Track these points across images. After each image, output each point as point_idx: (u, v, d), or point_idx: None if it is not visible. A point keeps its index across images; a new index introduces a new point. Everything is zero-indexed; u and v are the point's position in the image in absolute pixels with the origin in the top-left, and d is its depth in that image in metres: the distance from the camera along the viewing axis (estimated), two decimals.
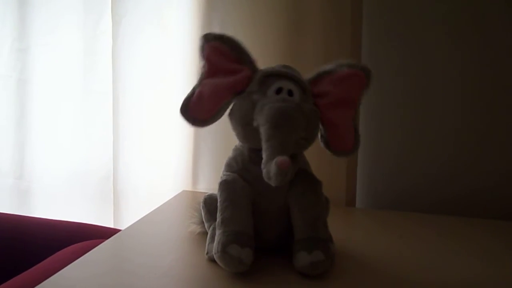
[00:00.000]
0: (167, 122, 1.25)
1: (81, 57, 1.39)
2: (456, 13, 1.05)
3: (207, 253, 0.72)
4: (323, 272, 0.67)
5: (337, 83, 0.72)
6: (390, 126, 1.11)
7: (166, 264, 0.71)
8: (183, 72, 1.20)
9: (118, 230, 0.97)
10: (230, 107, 0.73)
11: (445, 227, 0.95)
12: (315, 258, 0.65)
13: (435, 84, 1.08)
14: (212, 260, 0.69)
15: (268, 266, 0.70)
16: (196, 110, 0.72)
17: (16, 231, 1.11)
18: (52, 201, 1.44)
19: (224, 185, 0.71)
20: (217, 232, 0.67)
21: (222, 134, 1.15)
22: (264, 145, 0.64)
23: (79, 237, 1.00)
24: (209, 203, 0.77)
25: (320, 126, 0.73)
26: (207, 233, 0.77)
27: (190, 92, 0.72)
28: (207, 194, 0.79)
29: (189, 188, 1.23)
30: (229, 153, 0.77)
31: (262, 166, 0.63)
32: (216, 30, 1.14)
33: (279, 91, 0.68)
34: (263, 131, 0.65)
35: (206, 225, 0.79)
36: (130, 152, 1.29)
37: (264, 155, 0.63)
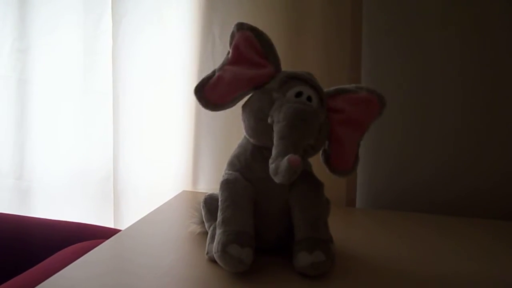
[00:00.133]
0: (168, 122, 1.25)
1: (81, 57, 1.39)
2: (456, 13, 1.05)
3: (207, 253, 0.72)
4: (323, 273, 0.67)
5: (353, 104, 0.72)
6: (390, 126, 1.11)
7: (166, 264, 0.71)
8: (183, 72, 1.20)
9: (118, 230, 0.97)
10: (246, 99, 0.73)
11: (445, 227, 0.95)
12: (316, 259, 0.65)
13: (435, 84, 1.08)
14: (212, 260, 0.69)
15: (268, 266, 0.70)
16: (212, 92, 0.72)
17: (16, 231, 1.11)
18: (52, 201, 1.44)
19: (226, 184, 0.71)
20: (218, 231, 0.67)
21: (223, 134, 1.15)
22: (276, 142, 0.64)
23: (79, 237, 1.00)
24: (210, 203, 0.77)
25: (326, 142, 0.73)
26: (207, 233, 0.77)
27: (210, 73, 0.73)
28: (207, 194, 0.80)
29: (189, 188, 1.23)
30: (229, 153, 0.77)
31: (271, 161, 0.63)
32: (216, 30, 1.14)
33: (298, 95, 0.68)
34: (278, 128, 0.65)
35: (206, 225, 0.79)
36: (130, 152, 1.29)
37: (274, 151, 0.64)
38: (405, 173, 1.12)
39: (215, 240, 0.67)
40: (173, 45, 1.22)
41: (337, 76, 1.06)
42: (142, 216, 0.95)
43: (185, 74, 1.19)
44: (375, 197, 1.14)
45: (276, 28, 1.08)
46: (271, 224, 0.73)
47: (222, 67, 0.73)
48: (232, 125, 1.12)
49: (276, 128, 0.65)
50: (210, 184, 1.21)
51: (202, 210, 0.79)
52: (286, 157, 0.60)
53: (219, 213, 0.69)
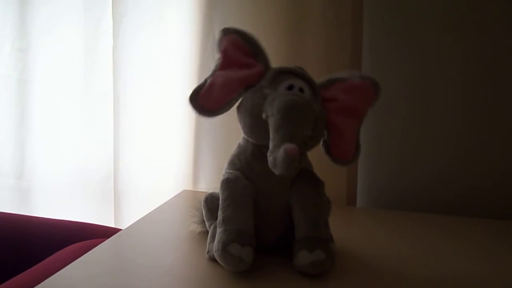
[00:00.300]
0: (168, 121, 1.25)
1: (81, 57, 1.39)
2: (457, 13, 1.05)
3: (208, 252, 0.72)
4: (323, 272, 0.67)
5: (347, 92, 0.72)
6: (391, 126, 1.11)
7: (166, 263, 0.72)
8: (183, 71, 1.20)
9: (118, 230, 0.97)
10: (240, 100, 0.73)
11: (445, 227, 0.95)
12: (316, 258, 0.65)
13: (435, 84, 1.08)
14: (213, 259, 0.69)
15: (268, 265, 0.70)
16: (206, 99, 0.72)
17: (16, 230, 1.11)
18: (52, 200, 1.44)
19: (226, 183, 0.71)
20: (218, 230, 0.67)
21: (223, 134, 1.15)
22: (272, 135, 0.64)
23: (80, 237, 1.00)
24: (210, 202, 0.77)
25: (325, 131, 0.73)
26: (207, 233, 0.77)
27: (203, 81, 0.73)
28: (208, 193, 0.79)
29: (189, 187, 1.23)
30: (230, 153, 0.77)
31: (269, 153, 0.63)
32: (217, 29, 1.14)
33: (290, 88, 0.68)
34: (273, 121, 0.65)
35: (207, 224, 0.79)
36: (131, 152, 1.29)
37: (271, 144, 0.64)
38: (405, 172, 1.12)
39: (216, 239, 0.67)
40: (173, 44, 1.22)
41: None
42: (143, 216, 0.95)
43: (185, 73, 1.19)
44: (375, 196, 1.14)
45: (276, 28, 1.09)
46: (271, 223, 0.73)
47: (213, 74, 0.73)
48: (232, 124, 1.11)
49: (271, 122, 0.65)
50: (210, 184, 1.21)
51: (203, 209, 0.79)
52: (283, 147, 0.60)
53: (219, 212, 0.69)
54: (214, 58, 0.75)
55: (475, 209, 1.06)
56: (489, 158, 1.07)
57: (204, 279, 0.66)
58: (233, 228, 0.66)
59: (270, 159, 0.62)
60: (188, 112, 1.21)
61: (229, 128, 1.14)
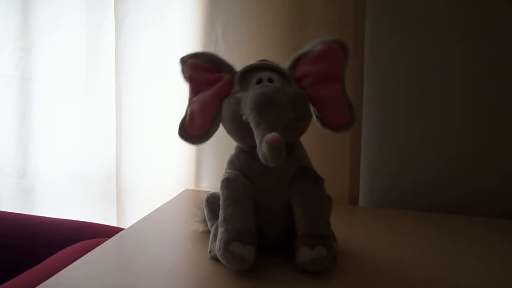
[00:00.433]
0: (170, 121, 1.24)
1: (84, 56, 1.39)
2: (459, 13, 1.05)
3: (210, 252, 0.72)
4: (325, 270, 0.67)
5: (315, 61, 0.73)
6: (393, 125, 1.11)
7: (169, 262, 0.72)
8: None
9: (121, 229, 0.97)
10: (222, 113, 0.74)
11: (447, 226, 0.95)
12: (317, 254, 0.65)
13: (437, 83, 1.08)
14: (215, 258, 0.69)
15: (270, 264, 0.70)
16: (192, 128, 0.75)
17: (19, 230, 1.11)
18: (55, 200, 1.44)
19: (226, 183, 0.71)
20: (219, 230, 0.67)
21: (225, 133, 1.15)
22: (255, 132, 0.65)
23: (82, 236, 1.00)
24: (211, 201, 0.77)
25: (313, 108, 0.73)
26: (209, 232, 0.77)
27: (184, 114, 0.76)
28: (209, 192, 0.80)
29: (192, 187, 1.23)
30: (231, 152, 0.77)
31: (257, 151, 0.63)
32: (219, 29, 1.14)
33: (259, 82, 0.69)
34: (251, 119, 0.65)
35: (208, 223, 0.79)
36: (133, 151, 1.29)
37: (256, 141, 0.64)
38: (407, 172, 1.12)
39: (217, 239, 0.67)
40: (175, 44, 1.22)
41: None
42: (145, 215, 0.95)
43: None
44: (377, 195, 1.14)
45: (279, 27, 1.09)
46: (272, 221, 0.73)
47: (189, 103, 0.76)
48: None
49: (250, 121, 0.66)
50: (213, 183, 1.21)
51: (204, 209, 0.80)
52: (264, 139, 0.61)
53: (220, 212, 0.69)
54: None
55: (476, 208, 1.06)
56: (490, 158, 1.07)
57: (206, 278, 0.66)
58: (234, 227, 0.66)
59: (260, 156, 0.62)
60: None
61: None
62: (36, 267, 0.82)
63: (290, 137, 0.69)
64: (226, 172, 0.74)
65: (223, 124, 0.74)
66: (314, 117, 0.74)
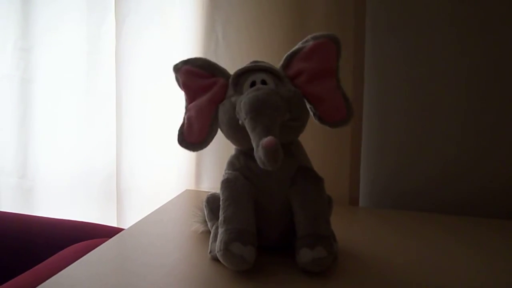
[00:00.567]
0: (171, 121, 1.24)
1: (84, 57, 1.39)
2: (460, 11, 1.05)
3: (210, 252, 0.72)
4: (325, 270, 0.67)
5: (307, 58, 0.72)
6: (394, 125, 1.11)
7: (169, 263, 0.72)
8: None
9: (121, 229, 0.97)
10: (218, 118, 0.74)
11: (448, 227, 0.94)
12: (317, 255, 0.65)
13: (438, 83, 1.07)
14: (215, 258, 0.69)
15: (270, 264, 0.70)
16: (190, 135, 0.75)
17: (19, 230, 1.11)
18: (55, 200, 1.45)
19: (226, 183, 0.71)
20: (220, 230, 0.67)
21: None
22: (251, 136, 0.65)
23: (82, 236, 1.00)
24: (212, 202, 0.77)
25: (309, 105, 0.73)
26: (210, 232, 0.77)
27: (182, 122, 0.76)
28: (209, 193, 0.80)
29: (192, 187, 1.23)
30: (231, 153, 0.77)
31: (255, 154, 0.63)
32: (219, 29, 1.14)
33: (252, 84, 0.69)
34: (246, 124, 0.65)
35: (209, 224, 0.79)
36: (134, 151, 1.29)
37: (253, 146, 0.64)
38: (408, 172, 1.11)
39: (218, 239, 0.67)
40: (176, 44, 1.22)
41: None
42: (145, 215, 0.95)
43: None
44: (378, 196, 1.14)
45: (279, 27, 1.09)
46: (272, 221, 0.73)
47: (186, 110, 0.76)
48: None
49: (246, 126, 0.66)
50: (213, 183, 1.21)
51: (205, 209, 0.80)
52: (260, 144, 0.61)
53: (220, 212, 0.69)
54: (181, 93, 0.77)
55: (477, 208, 1.06)
56: (491, 158, 1.07)
57: (207, 279, 0.66)
58: (234, 227, 0.66)
59: (257, 160, 0.62)
60: None
61: None
62: (36, 267, 0.82)
63: (287, 137, 0.70)
64: (226, 173, 0.74)
65: (220, 128, 0.74)
66: (311, 114, 0.74)
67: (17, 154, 1.48)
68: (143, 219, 0.93)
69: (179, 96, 1.20)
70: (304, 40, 0.75)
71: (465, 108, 1.07)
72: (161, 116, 1.26)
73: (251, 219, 0.69)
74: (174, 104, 1.21)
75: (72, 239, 0.99)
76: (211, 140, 0.75)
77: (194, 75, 0.75)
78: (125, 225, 1.25)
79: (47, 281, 0.64)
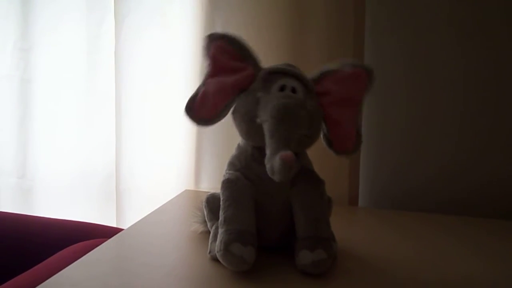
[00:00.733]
0: (170, 121, 1.25)
1: (84, 57, 1.39)
2: (460, 12, 1.05)
3: (209, 252, 0.72)
4: (325, 271, 0.67)
5: (340, 82, 0.72)
6: (393, 125, 1.11)
7: (168, 263, 0.71)
8: (186, 71, 1.20)
9: (120, 230, 0.97)
10: (234, 105, 0.73)
11: (447, 227, 0.95)
12: (317, 257, 0.65)
13: (438, 83, 1.07)
14: (214, 259, 0.69)
15: (270, 264, 0.70)
16: (201, 109, 0.72)
17: (18, 230, 1.11)
18: (54, 200, 1.44)
19: (227, 183, 0.71)
20: (220, 230, 0.67)
21: (225, 133, 1.15)
22: (267, 141, 0.64)
23: (82, 236, 1.00)
24: (212, 202, 0.77)
25: (323, 125, 0.73)
26: (209, 232, 0.77)
27: (195, 92, 0.73)
28: (209, 193, 0.80)
29: (191, 187, 1.23)
30: (231, 152, 0.77)
31: (266, 161, 0.63)
32: (219, 29, 1.14)
33: (282, 88, 0.68)
34: (266, 126, 0.65)
35: (208, 224, 0.79)
36: (133, 151, 1.29)
37: (267, 151, 0.63)
38: (407, 172, 1.12)
39: (218, 239, 0.67)
40: (176, 45, 1.22)
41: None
42: (144, 216, 0.95)
43: (187, 73, 1.19)
44: (377, 196, 1.14)
45: (278, 27, 1.09)
46: (273, 222, 0.72)
47: (204, 82, 0.73)
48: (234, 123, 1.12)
49: (265, 127, 0.65)
50: (212, 183, 1.21)
51: (204, 209, 0.80)
52: (278, 155, 0.60)
53: (220, 212, 0.69)
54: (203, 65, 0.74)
55: (476, 209, 1.06)
56: (492, 157, 1.07)
57: (206, 279, 0.66)
58: (234, 228, 0.66)
59: (267, 166, 0.62)
60: None
61: (231, 128, 1.13)
62: (35, 267, 0.82)
63: (295, 149, 0.69)
64: (226, 173, 0.74)
65: (233, 115, 0.73)
66: (322, 135, 0.74)
67: (16, 154, 1.48)
68: (142, 219, 0.93)
69: (179, 96, 1.21)
70: (342, 63, 0.73)
71: (464, 109, 1.07)
72: (160, 116, 1.26)
73: (252, 219, 0.68)
74: (174, 104, 1.22)
75: (71, 239, 0.99)
76: (219, 120, 0.73)
77: (226, 53, 0.73)
78: (124, 225, 1.25)
79: (47, 281, 0.64)
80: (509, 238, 0.89)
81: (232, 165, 0.75)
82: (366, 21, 1.08)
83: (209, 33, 0.74)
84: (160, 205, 1.03)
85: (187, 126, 1.21)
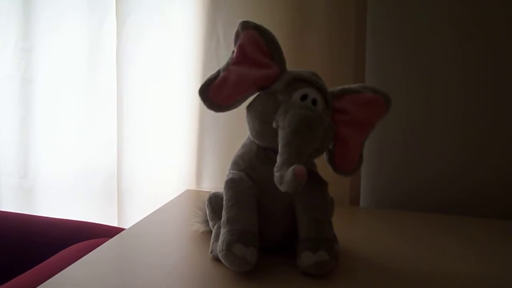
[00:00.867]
0: (171, 121, 1.25)
1: (85, 56, 1.39)
2: (461, 13, 1.05)
3: (211, 252, 0.72)
4: (327, 272, 0.67)
5: (359, 105, 0.72)
6: (395, 125, 1.10)
7: (170, 263, 0.71)
8: (187, 71, 1.20)
9: (122, 229, 0.97)
10: (251, 100, 0.73)
11: (449, 227, 0.94)
12: (320, 258, 0.65)
13: (439, 83, 1.07)
14: (216, 259, 0.69)
15: (272, 265, 0.70)
16: (217, 93, 0.71)
17: (20, 229, 1.11)
18: (56, 200, 1.44)
19: (230, 183, 0.71)
20: (222, 231, 0.67)
21: (226, 133, 1.15)
22: (281, 149, 0.64)
23: (83, 236, 1.00)
24: (214, 201, 0.77)
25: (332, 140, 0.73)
26: (211, 232, 0.77)
27: (215, 74, 0.72)
28: (212, 192, 0.80)
29: (193, 187, 1.23)
30: (233, 153, 0.77)
31: (276, 169, 0.63)
32: (220, 29, 1.14)
33: (304, 97, 0.67)
34: (283, 134, 0.65)
35: (210, 223, 0.79)
36: (134, 151, 1.29)
37: (279, 158, 0.63)
38: (409, 172, 1.12)
39: (220, 240, 0.67)
40: (177, 44, 1.22)
41: (342, 76, 1.05)
42: (146, 215, 0.95)
43: (189, 73, 1.19)
44: (379, 196, 1.14)
45: (280, 28, 1.08)
46: (275, 223, 0.72)
47: (226, 67, 0.72)
48: (236, 123, 1.12)
49: (281, 134, 0.65)
50: (214, 183, 1.21)
51: (207, 208, 0.79)
52: (292, 168, 0.59)
53: (223, 212, 0.69)
54: (229, 51, 0.73)
55: (478, 209, 1.06)
56: (494, 158, 1.07)
57: (208, 279, 0.66)
58: (237, 228, 0.66)
59: (276, 175, 0.62)
60: (191, 112, 1.20)
61: (233, 128, 1.14)
62: (37, 267, 0.82)
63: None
64: (230, 173, 0.74)
65: (248, 111, 0.72)
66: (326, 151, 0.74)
67: (18, 154, 1.48)
68: (144, 219, 0.93)
69: (181, 96, 1.21)
70: (364, 85, 0.74)
71: (464, 109, 1.07)
72: (162, 116, 1.26)
73: (254, 220, 0.68)
74: (175, 105, 1.22)
75: (73, 239, 0.99)
76: (229, 110, 0.73)
77: (256, 45, 0.71)
78: (125, 225, 1.25)
79: (48, 281, 0.64)
80: (509, 238, 0.88)
81: (236, 164, 0.75)
82: (367, 21, 1.08)
83: (243, 20, 0.73)
84: (162, 205, 1.03)
85: (188, 125, 1.21)
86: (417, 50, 1.08)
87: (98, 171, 1.41)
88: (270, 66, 0.71)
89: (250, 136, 0.74)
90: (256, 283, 0.65)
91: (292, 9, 1.08)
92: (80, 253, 0.75)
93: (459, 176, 1.08)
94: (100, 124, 1.39)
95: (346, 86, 0.74)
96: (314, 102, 0.67)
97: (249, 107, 0.72)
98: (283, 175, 0.61)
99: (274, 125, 0.66)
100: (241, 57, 0.72)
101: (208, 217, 0.80)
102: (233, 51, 0.73)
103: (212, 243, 0.72)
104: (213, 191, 0.80)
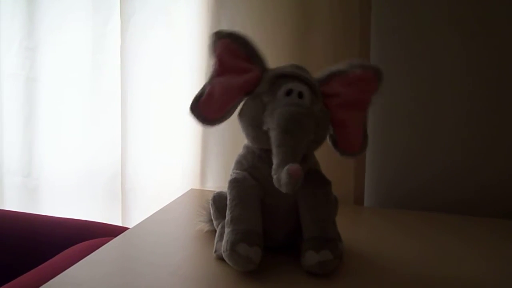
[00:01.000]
0: (175, 120, 1.25)
1: (89, 56, 1.39)
2: (465, 13, 1.05)
3: (215, 251, 0.72)
4: (330, 271, 0.67)
5: (349, 85, 0.71)
6: (399, 125, 1.10)
7: (174, 262, 0.71)
8: (191, 71, 1.20)
9: (126, 228, 0.97)
10: (240, 107, 0.72)
11: (453, 226, 0.94)
12: (323, 258, 0.65)
13: (443, 83, 1.07)
14: (220, 258, 0.69)
15: (276, 264, 0.70)
16: (206, 109, 0.72)
17: (24, 229, 1.12)
18: (60, 199, 1.45)
19: (234, 183, 0.71)
20: (226, 230, 0.67)
21: (230, 132, 1.15)
22: (274, 150, 0.64)
23: (87, 235, 1.00)
24: (218, 200, 0.77)
25: (330, 127, 0.72)
26: (215, 232, 0.77)
27: (200, 90, 0.72)
28: (216, 191, 0.79)
29: (197, 186, 1.23)
30: (237, 152, 0.77)
31: (273, 172, 0.63)
32: (225, 28, 1.14)
33: (289, 92, 0.67)
34: (273, 135, 0.64)
35: (214, 223, 0.79)
36: (138, 150, 1.29)
37: (274, 161, 0.63)
38: (413, 171, 1.11)
39: (224, 239, 0.67)
40: (181, 44, 1.22)
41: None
42: (150, 215, 0.95)
43: (193, 72, 1.19)
44: (383, 195, 1.13)
45: (284, 27, 1.08)
46: (279, 222, 0.72)
47: (210, 81, 0.72)
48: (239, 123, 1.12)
49: (271, 135, 0.65)
50: (218, 182, 1.21)
51: (211, 208, 0.79)
52: (286, 168, 0.59)
53: (227, 212, 0.69)
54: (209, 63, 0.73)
55: (482, 208, 1.06)
56: (498, 157, 1.06)
57: (212, 279, 0.66)
58: (241, 228, 0.66)
59: (274, 177, 0.62)
60: None
61: (237, 127, 1.14)
62: (40, 266, 0.82)
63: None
64: (233, 173, 0.74)
65: (239, 118, 0.72)
66: (328, 136, 0.73)
67: (22, 153, 1.49)
68: (147, 218, 0.93)
69: (185, 95, 1.21)
70: (350, 64, 0.71)
71: (468, 109, 1.07)
72: (166, 116, 1.26)
73: (258, 219, 0.68)
74: (179, 104, 1.22)
75: (76, 238, 0.99)
76: (223, 121, 0.73)
77: (232, 52, 0.71)
78: (129, 224, 1.25)
79: (51, 280, 0.64)
80: None
81: (239, 164, 0.75)
82: (371, 20, 1.08)
83: (215, 30, 0.73)
84: (165, 204, 1.03)
85: (192, 125, 1.21)
86: (421, 50, 1.08)
87: (102, 171, 1.41)
88: (251, 69, 0.71)
89: (247, 142, 0.74)
90: (260, 283, 0.65)
91: (296, 9, 1.08)
92: (83, 253, 0.75)
93: (462, 176, 1.08)
94: (104, 123, 1.39)
95: (333, 68, 0.72)
96: (300, 95, 0.66)
97: (239, 115, 0.72)
98: (280, 177, 0.61)
99: (264, 127, 0.66)
100: (221, 68, 0.71)
101: (212, 216, 0.80)
102: (213, 64, 0.72)
103: (216, 243, 0.72)
104: (217, 190, 0.80)
